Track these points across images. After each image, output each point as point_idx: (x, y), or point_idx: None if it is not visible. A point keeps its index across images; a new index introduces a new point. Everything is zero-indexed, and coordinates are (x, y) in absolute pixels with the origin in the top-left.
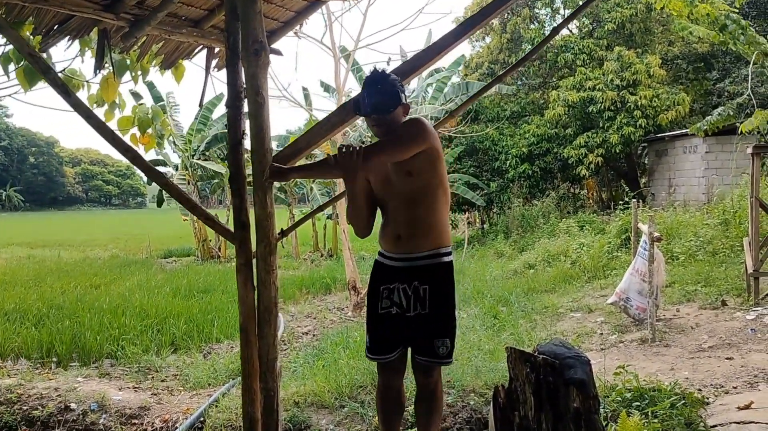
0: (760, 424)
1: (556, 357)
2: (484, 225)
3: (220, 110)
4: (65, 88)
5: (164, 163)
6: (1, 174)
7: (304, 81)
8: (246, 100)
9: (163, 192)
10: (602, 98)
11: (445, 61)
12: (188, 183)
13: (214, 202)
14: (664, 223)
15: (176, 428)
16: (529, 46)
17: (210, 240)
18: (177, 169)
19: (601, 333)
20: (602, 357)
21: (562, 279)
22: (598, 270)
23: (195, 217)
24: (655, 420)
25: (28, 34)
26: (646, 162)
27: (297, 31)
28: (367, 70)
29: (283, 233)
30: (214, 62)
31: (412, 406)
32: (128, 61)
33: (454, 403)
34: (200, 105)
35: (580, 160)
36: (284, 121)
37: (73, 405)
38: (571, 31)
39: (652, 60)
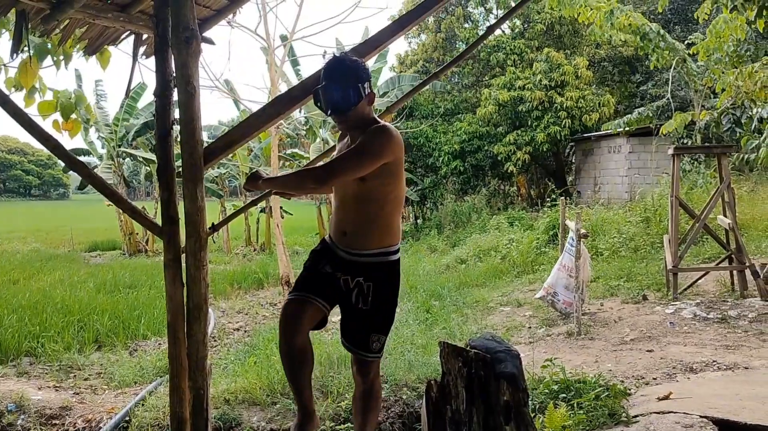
0: (677, 413)
1: (487, 351)
2: (418, 221)
3: (146, 99)
4: None
5: (89, 153)
6: None
7: (238, 72)
8: (176, 89)
9: None
10: (531, 98)
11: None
12: (114, 173)
13: (141, 194)
14: (590, 220)
15: (100, 428)
16: (463, 45)
17: (137, 234)
18: (102, 159)
19: (530, 327)
20: (531, 350)
21: (492, 274)
22: (527, 266)
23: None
24: (581, 411)
25: None
26: (573, 160)
27: (230, 20)
28: (303, 63)
29: (215, 228)
30: (142, 49)
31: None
32: (49, 45)
33: (387, 397)
34: (126, 94)
35: (508, 157)
36: (216, 112)
37: None
38: (503, 31)
39: (580, 62)
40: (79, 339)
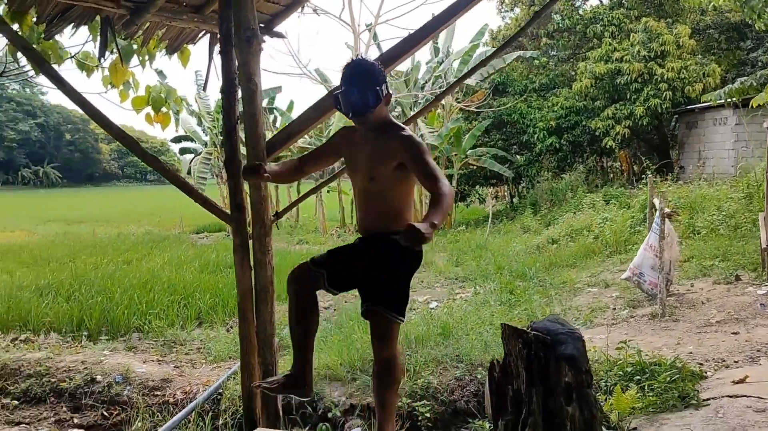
0: (750, 398)
1: (549, 333)
2: (513, 199)
3: None
4: (59, 78)
5: (192, 139)
6: (38, 151)
7: (324, 58)
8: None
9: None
10: (629, 70)
11: (471, 31)
12: (217, 159)
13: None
14: (688, 197)
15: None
16: (558, 18)
17: None
18: (206, 146)
19: (614, 308)
20: (610, 332)
21: (583, 254)
22: (620, 245)
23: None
24: (651, 394)
25: (33, 22)
26: (677, 134)
27: (316, 8)
28: (388, 47)
29: (278, 215)
30: (217, 47)
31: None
32: (135, 47)
33: (462, 376)
34: (204, 88)
35: (607, 132)
36: (310, 100)
37: (99, 378)
38: (601, 1)
39: (682, 30)
40: (182, 316)
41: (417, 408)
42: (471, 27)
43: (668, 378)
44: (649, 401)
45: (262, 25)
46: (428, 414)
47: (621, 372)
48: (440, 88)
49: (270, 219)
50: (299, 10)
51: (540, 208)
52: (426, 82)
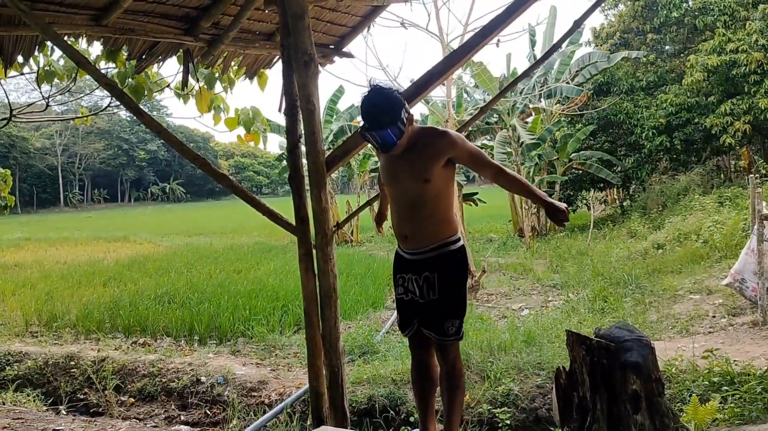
0: None
1: (614, 340)
2: (624, 203)
3: (344, 103)
4: (138, 109)
5: None
6: (164, 169)
7: (415, 69)
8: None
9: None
10: (747, 60)
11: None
12: None
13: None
14: None
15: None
16: (665, 12)
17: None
18: None
19: (714, 316)
20: (705, 340)
21: (689, 260)
22: (730, 250)
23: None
24: (734, 404)
25: (124, 58)
26: None
27: (403, 22)
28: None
29: (339, 226)
30: None
31: None
32: (216, 74)
33: (543, 384)
34: (279, 109)
35: (724, 129)
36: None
37: (203, 379)
38: None
39: None
40: (282, 322)
41: (497, 414)
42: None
43: (755, 389)
44: (732, 412)
45: (332, 46)
46: (508, 421)
47: (707, 382)
48: (540, 91)
49: (331, 230)
50: (366, 30)
51: (650, 211)
52: (525, 87)
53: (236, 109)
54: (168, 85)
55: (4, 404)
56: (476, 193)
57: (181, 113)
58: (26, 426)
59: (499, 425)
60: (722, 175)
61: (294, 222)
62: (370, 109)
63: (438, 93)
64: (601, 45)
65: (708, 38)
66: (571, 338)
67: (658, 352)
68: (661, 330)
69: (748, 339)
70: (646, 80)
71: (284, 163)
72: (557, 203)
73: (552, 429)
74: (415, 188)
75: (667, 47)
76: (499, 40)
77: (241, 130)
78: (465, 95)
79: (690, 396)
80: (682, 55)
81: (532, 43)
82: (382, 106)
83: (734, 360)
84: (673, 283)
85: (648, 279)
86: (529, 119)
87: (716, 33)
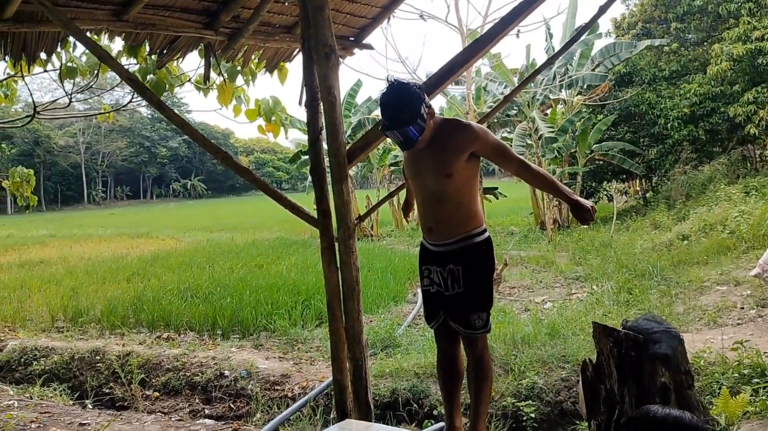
0: None
1: (642, 332)
2: (647, 194)
3: (362, 96)
4: (160, 103)
5: None
6: (185, 165)
7: (435, 62)
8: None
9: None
10: None
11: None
12: None
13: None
14: None
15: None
16: (688, 0)
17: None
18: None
19: (742, 308)
20: (735, 332)
21: (716, 251)
22: (757, 240)
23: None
24: (764, 397)
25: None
26: None
27: (422, 13)
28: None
29: (360, 218)
30: None
31: None
32: (238, 68)
33: (569, 377)
34: (300, 102)
35: (749, 118)
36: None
37: (226, 373)
38: None
39: None
40: (304, 316)
41: (522, 408)
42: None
43: None
44: (764, 404)
45: (352, 38)
46: (533, 415)
47: (737, 375)
48: (561, 81)
49: (353, 223)
50: (386, 21)
51: (674, 202)
52: (545, 78)
53: (256, 100)
54: (189, 80)
55: (31, 398)
56: (497, 188)
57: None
58: (53, 420)
59: (524, 418)
60: (748, 165)
61: (316, 216)
62: (389, 108)
63: (456, 86)
64: (622, 35)
65: (732, 26)
66: (598, 330)
67: (686, 344)
68: (688, 322)
69: None
70: (669, 70)
71: (303, 158)
72: (583, 201)
73: (578, 422)
74: (438, 183)
75: (690, 36)
76: (519, 31)
77: (261, 122)
78: (483, 88)
79: (720, 388)
80: (705, 43)
81: (550, 36)
82: (402, 104)
83: (764, 352)
84: (699, 275)
85: (673, 270)
86: (549, 110)
87: (741, 21)
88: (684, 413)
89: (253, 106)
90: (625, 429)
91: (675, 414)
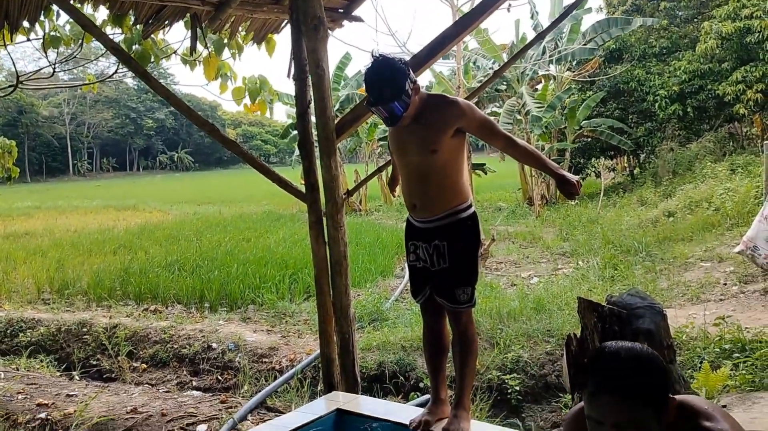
0: None
1: (626, 307)
2: (634, 171)
3: (352, 69)
4: (146, 74)
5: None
6: (172, 137)
7: (422, 36)
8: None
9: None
10: (761, 27)
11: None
12: None
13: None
14: None
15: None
16: None
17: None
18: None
19: (725, 284)
20: (717, 308)
21: (701, 228)
22: (742, 217)
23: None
24: (745, 371)
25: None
26: None
27: None
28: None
29: (349, 193)
30: None
31: None
32: (225, 40)
33: (553, 351)
34: (288, 75)
35: (737, 96)
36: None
37: (214, 345)
38: None
39: None
40: (292, 290)
41: (507, 380)
42: None
43: (767, 356)
44: (744, 379)
45: (341, 10)
46: (518, 387)
47: (718, 349)
48: (550, 57)
49: (341, 197)
50: None
51: (661, 179)
52: (534, 53)
53: (243, 78)
54: (175, 51)
55: (18, 370)
56: (484, 164)
57: (187, 81)
58: (40, 391)
59: (509, 391)
60: (734, 143)
61: (304, 190)
62: (373, 83)
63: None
64: (613, 12)
65: (722, 3)
66: (582, 305)
67: (669, 319)
68: (671, 297)
69: (759, 307)
70: (659, 46)
71: (293, 132)
72: (569, 175)
73: (561, 395)
74: (423, 159)
75: (680, 13)
76: (510, 5)
77: (246, 100)
78: (471, 63)
79: (701, 362)
80: (695, 20)
81: (536, 13)
82: (386, 79)
83: (746, 328)
84: (684, 251)
85: (659, 247)
86: (539, 86)
87: None
88: (634, 344)
89: (240, 83)
90: (585, 370)
91: (627, 345)
